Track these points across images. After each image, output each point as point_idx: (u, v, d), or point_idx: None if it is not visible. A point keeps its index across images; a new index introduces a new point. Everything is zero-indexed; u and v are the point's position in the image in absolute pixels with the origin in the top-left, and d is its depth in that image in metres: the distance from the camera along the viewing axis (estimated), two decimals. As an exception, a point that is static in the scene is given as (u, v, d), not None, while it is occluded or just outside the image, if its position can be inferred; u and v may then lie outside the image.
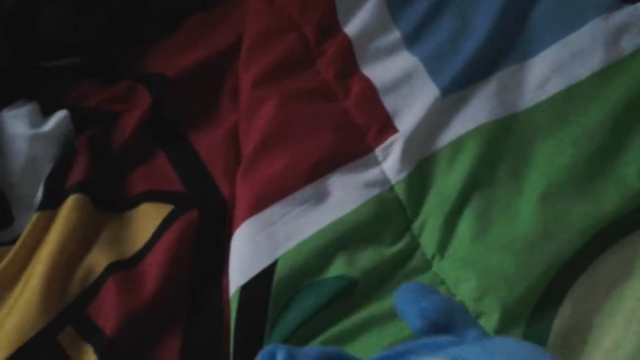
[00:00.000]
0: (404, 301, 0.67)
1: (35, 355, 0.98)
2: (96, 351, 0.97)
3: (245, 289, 0.96)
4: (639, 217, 0.86)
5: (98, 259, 1.07)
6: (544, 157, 0.96)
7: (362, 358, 0.66)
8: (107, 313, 1.00)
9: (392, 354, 0.60)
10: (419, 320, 0.64)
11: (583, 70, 1.01)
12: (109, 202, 1.15)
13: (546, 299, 0.83)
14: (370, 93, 1.12)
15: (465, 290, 0.85)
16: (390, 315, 0.86)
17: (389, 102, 1.10)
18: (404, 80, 1.11)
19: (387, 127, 1.08)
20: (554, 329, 0.80)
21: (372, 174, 1.04)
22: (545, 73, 1.04)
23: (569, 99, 1.00)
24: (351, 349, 0.83)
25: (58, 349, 0.99)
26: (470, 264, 0.89)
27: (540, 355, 0.56)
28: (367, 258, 0.95)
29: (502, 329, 0.82)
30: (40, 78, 1.37)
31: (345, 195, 1.02)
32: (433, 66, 1.11)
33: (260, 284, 0.95)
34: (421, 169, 1.02)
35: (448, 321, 0.65)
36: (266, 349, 0.73)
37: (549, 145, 0.96)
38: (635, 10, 1.05)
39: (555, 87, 1.02)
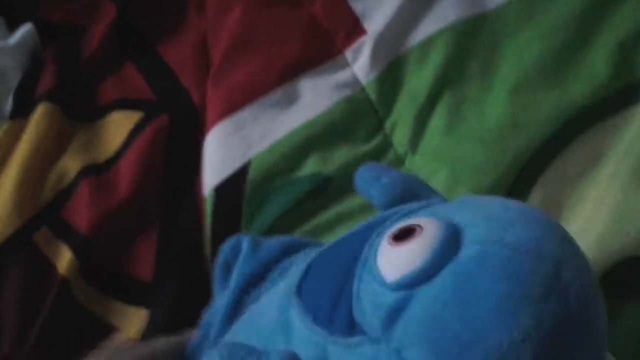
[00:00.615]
0: (365, 182, 0.67)
1: (12, 254, 0.97)
2: (71, 249, 0.96)
3: (219, 188, 0.96)
4: (606, 106, 0.85)
5: (70, 164, 1.06)
6: (513, 53, 0.95)
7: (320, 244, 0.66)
8: (81, 213, 0.99)
9: (364, 226, 0.59)
10: (383, 197, 0.64)
11: (549, -31, 1.00)
12: (80, 111, 1.14)
13: (517, 186, 0.83)
14: (337, -3, 1.11)
15: (437, 181, 0.85)
16: (366, 207, 0.86)
17: (356, 5, 1.08)
18: (371, -18, 1.10)
19: (355, 29, 1.06)
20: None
21: (342, 75, 1.03)
22: (513, -28, 1.02)
23: (536, -3, 0.99)
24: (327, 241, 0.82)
25: (34, 248, 0.98)
26: (441, 157, 0.89)
27: (507, 201, 0.55)
28: (340, 156, 0.94)
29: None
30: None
31: (316, 96, 1.01)
32: (400, -33, 1.09)
33: (234, 184, 0.95)
34: (391, 69, 1.01)
35: (411, 192, 0.64)
36: (232, 238, 0.73)
37: (517, 41, 0.96)
38: None
39: (522, -15, 1.01)
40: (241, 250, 0.72)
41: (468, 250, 0.50)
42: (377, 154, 0.94)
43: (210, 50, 1.16)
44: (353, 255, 0.55)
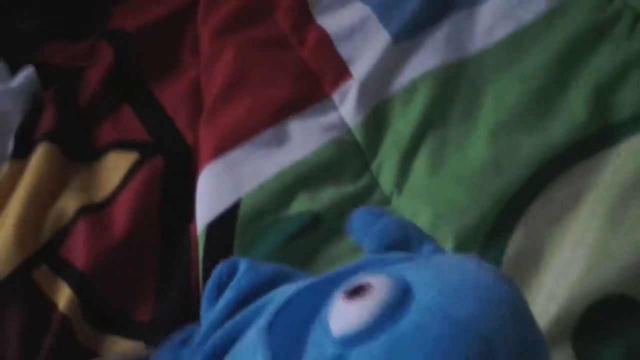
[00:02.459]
0: (358, 227, 0.65)
1: (12, 291, 0.96)
2: (70, 286, 0.95)
3: (211, 226, 0.94)
4: (585, 148, 0.84)
5: (69, 203, 1.05)
6: (494, 97, 0.94)
7: (309, 275, 0.65)
8: (79, 251, 0.98)
9: (343, 272, 0.58)
10: (374, 243, 0.63)
11: (528, 15, 0.99)
12: (78, 152, 1.13)
13: (498, 226, 0.81)
14: (325, 41, 1.10)
15: (421, 222, 0.83)
16: (354, 249, 0.84)
17: (343, 50, 1.08)
18: (357, 28, 1.09)
19: (342, 73, 1.05)
20: (506, 255, 0.79)
21: (330, 118, 1.02)
22: (493, 19, 1.01)
23: (516, 42, 0.98)
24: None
25: (33, 285, 0.97)
26: (425, 198, 0.87)
27: (469, 270, 0.53)
28: (328, 195, 0.92)
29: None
30: (7, 40, 1.33)
31: (305, 138, 1.00)
32: (384, 14, 1.08)
33: (225, 222, 0.93)
34: (377, 113, 0.99)
35: (401, 239, 0.64)
36: (228, 260, 0.72)
37: (498, 85, 0.95)
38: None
39: (502, 31, 1.00)
40: (237, 270, 0.71)
41: (410, 317, 0.49)
42: (364, 194, 0.92)
43: (203, 92, 1.15)
44: (320, 303, 0.55)
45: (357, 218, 0.66)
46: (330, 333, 0.51)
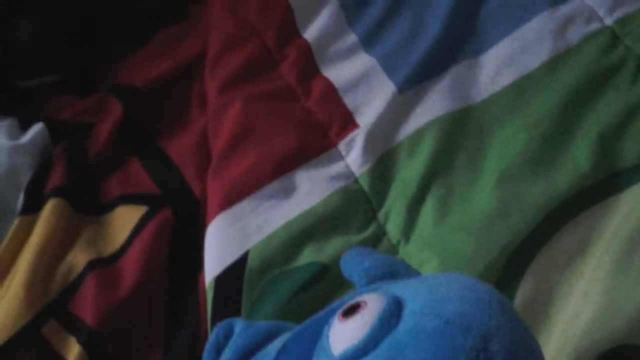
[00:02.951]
0: (349, 265, 0.67)
1: (21, 347, 0.96)
2: (79, 341, 0.94)
3: (219, 280, 0.93)
4: (590, 196, 0.84)
5: (78, 258, 1.05)
6: (499, 144, 0.94)
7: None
8: (88, 306, 0.97)
9: (335, 306, 0.60)
10: (364, 279, 0.64)
11: (533, 62, 1.00)
12: (87, 207, 1.13)
13: (506, 276, 0.80)
14: (331, 92, 1.10)
15: (429, 271, 0.83)
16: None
17: (349, 100, 1.08)
18: (362, 79, 1.10)
19: (348, 123, 1.06)
20: (516, 304, 0.78)
21: (336, 168, 1.02)
22: (497, 66, 1.02)
23: (521, 89, 0.99)
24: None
25: (43, 341, 0.96)
26: (432, 246, 0.87)
27: (454, 279, 0.56)
28: (335, 246, 0.92)
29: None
30: (18, 96, 1.34)
31: (312, 188, 1.00)
32: (389, 65, 1.09)
33: (233, 274, 0.93)
34: (383, 162, 1.00)
35: (389, 272, 0.65)
36: (223, 322, 0.72)
37: (503, 133, 0.95)
38: (580, 2, 1.04)
39: (507, 78, 1.00)
40: (233, 331, 0.72)
41: (405, 323, 0.51)
42: (371, 243, 0.92)
43: (210, 144, 1.15)
44: (317, 332, 0.57)
45: (349, 255, 0.68)
46: (331, 353, 0.52)
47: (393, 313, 0.52)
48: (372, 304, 0.53)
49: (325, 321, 0.57)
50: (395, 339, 0.50)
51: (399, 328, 0.51)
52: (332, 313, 0.57)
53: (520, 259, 0.81)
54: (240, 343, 0.69)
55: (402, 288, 0.55)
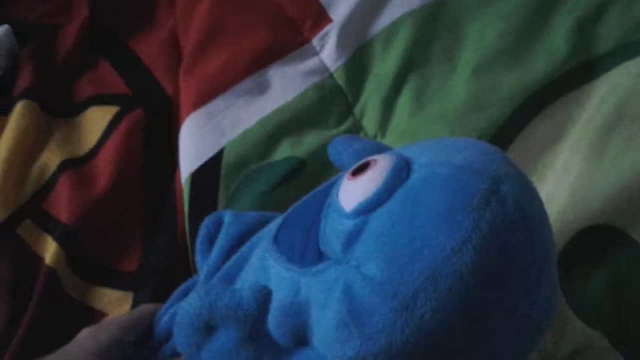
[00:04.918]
0: (337, 151, 0.68)
1: None
2: (56, 240, 0.95)
3: (195, 176, 0.94)
4: (567, 82, 0.84)
5: (51, 158, 1.05)
6: (475, 35, 0.93)
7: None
8: (63, 205, 0.98)
9: (333, 181, 0.61)
10: (354, 161, 0.64)
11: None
12: (58, 108, 1.13)
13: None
14: (303, -13, 1.09)
15: (405, 162, 0.83)
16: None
17: (321, -5, 1.07)
18: (335, -28, 1.08)
19: (321, 18, 1.05)
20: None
21: (311, 63, 1.01)
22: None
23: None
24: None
25: (18, 240, 0.96)
26: (409, 138, 0.87)
27: (457, 138, 0.58)
28: (311, 141, 0.92)
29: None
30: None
31: (286, 84, 1.00)
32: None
33: (209, 170, 0.93)
34: (358, 56, 0.99)
35: (380, 152, 0.65)
36: (213, 215, 0.73)
37: (478, 24, 0.94)
38: None
39: (481, -30, 0.99)
40: (223, 223, 0.72)
41: (416, 173, 0.52)
42: (348, 138, 0.92)
43: (181, 43, 1.14)
44: (321, 202, 0.58)
45: (337, 142, 0.68)
46: (343, 210, 0.53)
47: (404, 167, 0.53)
48: (382, 161, 0.54)
49: (327, 193, 0.58)
50: (410, 187, 0.52)
51: (412, 177, 0.52)
52: (331, 186, 0.59)
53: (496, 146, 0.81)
54: (233, 230, 0.69)
55: (406, 149, 0.57)
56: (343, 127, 0.94)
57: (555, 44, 0.87)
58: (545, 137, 0.81)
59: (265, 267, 0.59)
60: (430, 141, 0.58)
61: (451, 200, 0.50)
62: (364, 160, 0.56)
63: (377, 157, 0.55)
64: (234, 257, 0.66)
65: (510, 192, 0.51)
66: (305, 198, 0.63)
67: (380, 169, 0.53)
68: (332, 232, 0.54)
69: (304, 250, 0.56)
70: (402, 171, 0.53)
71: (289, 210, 0.64)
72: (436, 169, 0.52)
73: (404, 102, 0.92)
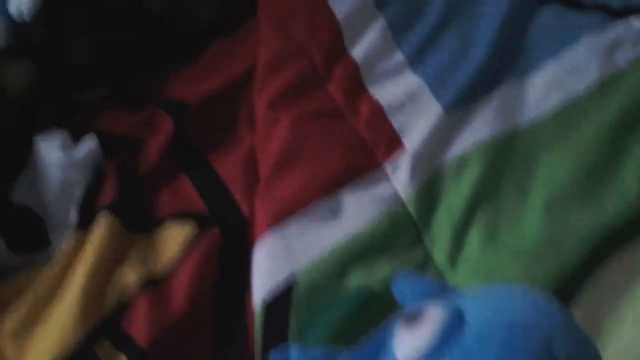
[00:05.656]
0: (401, 286, 0.68)
1: None
2: None
3: (268, 303, 0.95)
4: (638, 224, 0.84)
5: (130, 276, 1.07)
6: (546, 170, 0.94)
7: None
8: (140, 326, 1.00)
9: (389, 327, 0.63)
10: (414, 301, 0.66)
11: (580, 86, 1.00)
12: (137, 223, 1.15)
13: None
14: (378, 112, 1.11)
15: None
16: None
17: (396, 121, 1.09)
18: (409, 99, 1.11)
19: (395, 144, 1.07)
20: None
21: (383, 189, 1.03)
22: (544, 89, 1.03)
23: (568, 114, 0.99)
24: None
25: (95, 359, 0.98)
26: (479, 273, 0.88)
27: (512, 289, 0.59)
28: (382, 270, 0.93)
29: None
30: (71, 108, 1.36)
31: (358, 210, 1.01)
32: (436, 85, 1.10)
33: (282, 299, 0.94)
34: (430, 185, 1.01)
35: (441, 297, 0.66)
36: (279, 350, 0.74)
37: (550, 158, 0.95)
38: (627, 25, 1.04)
39: (554, 102, 1.01)
40: (289, 357, 0.74)
41: (470, 330, 0.53)
42: (418, 269, 0.93)
43: (259, 163, 1.16)
44: (379, 347, 0.60)
45: (401, 277, 0.72)
46: None
47: (457, 321, 0.54)
48: (435, 314, 0.56)
49: (382, 342, 0.60)
50: (464, 346, 0.53)
51: (465, 335, 0.53)
52: (388, 334, 0.60)
53: (568, 289, 0.82)
54: None
55: (460, 299, 0.58)
56: (413, 257, 0.95)
57: (627, 182, 0.88)
58: (620, 279, 0.82)
59: None
60: (485, 290, 0.60)
61: None
62: (417, 310, 0.57)
63: (429, 307, 0.56)
64: None
65: (562, 352, 0.51)
66: (361, 346, 0.65)
67: (434, 321, 0.55)
68: None
69: None
70: (455, 326, 0.54)
71: (349, 354, 0.65)
72: (490, 328, 0.53)
73: (474, 235, 0.93)
